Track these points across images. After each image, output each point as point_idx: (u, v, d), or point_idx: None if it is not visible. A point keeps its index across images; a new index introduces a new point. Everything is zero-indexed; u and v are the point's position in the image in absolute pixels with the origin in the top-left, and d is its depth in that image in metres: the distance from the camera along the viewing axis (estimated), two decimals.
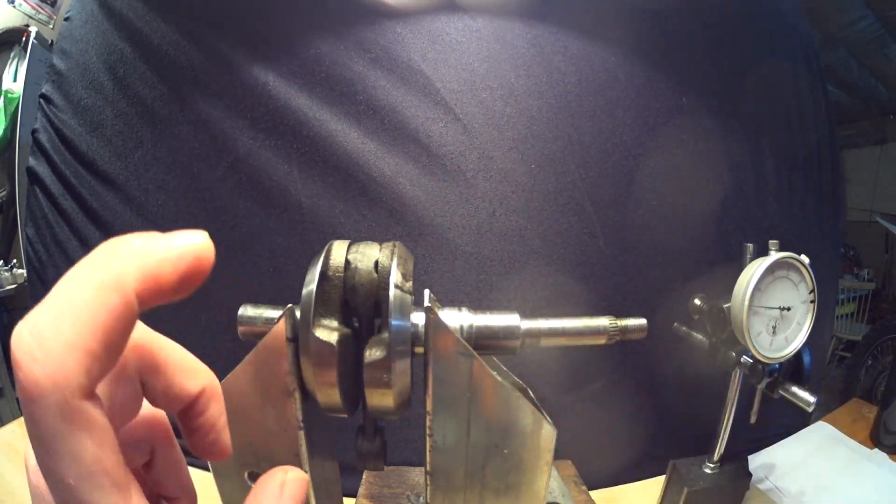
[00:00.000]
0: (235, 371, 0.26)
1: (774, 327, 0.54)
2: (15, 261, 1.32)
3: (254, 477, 0.29)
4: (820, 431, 0.87)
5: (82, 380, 0.12)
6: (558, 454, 0.44)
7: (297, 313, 0.25)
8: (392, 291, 0.25)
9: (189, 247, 0.14)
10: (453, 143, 0.75)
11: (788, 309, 0.54)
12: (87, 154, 0.81)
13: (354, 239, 0.28)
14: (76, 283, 0.13)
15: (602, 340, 0.29)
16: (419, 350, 0.26)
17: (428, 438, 0.27)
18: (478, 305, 0.28)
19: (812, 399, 0.52)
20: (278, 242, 0.76)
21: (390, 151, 0.75)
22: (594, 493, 0.69)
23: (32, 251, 0.87)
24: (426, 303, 0.27)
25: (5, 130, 1.27)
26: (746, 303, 0.52)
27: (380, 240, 0.28)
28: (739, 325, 0.53)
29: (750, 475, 0.65)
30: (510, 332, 0.27)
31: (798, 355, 0.56)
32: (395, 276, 0.25)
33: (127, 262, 0.13)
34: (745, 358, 0.57)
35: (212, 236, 0.15)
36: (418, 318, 0.26)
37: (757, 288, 0.52)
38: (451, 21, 0.76)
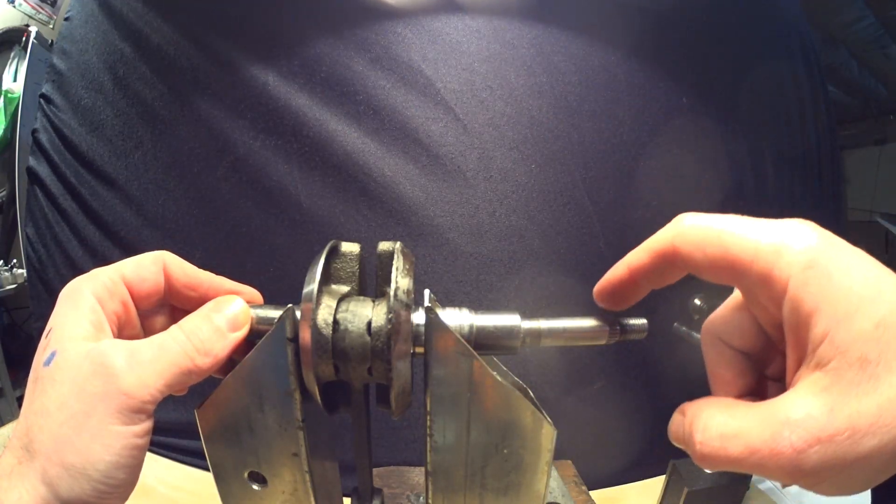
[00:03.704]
0: (235, 370, 0.26)
1: None
2: (15, 261, 1.32)
3: (254, 477, 0.29)
4: None
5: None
6: (558, 454, 0.44)
7: (297, 313, 0.25)
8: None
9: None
10: (453, 143, 0.75)
11: None
12: (87, 154, 0.81)
13: (354, 239, 0.28)
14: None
15: (602, 340, 0.28)
16: (419, 350, 0.26)
17: (428, 438, 0.27)
18: (478, 305, 0.28)
19: None
20: (278, 242, 0.76)
21: (390, 151, 0.75)
22: (594, 493, 0.69)
23: (32, 251, 0.87)
24: (426, 303, 0.27)
25: (5, 130, 1.27)
26: None
27: (380, 239, 0.28)
28: None
29: (750, 475, 0.65)
30: (510, 332, 0.27)
31: None
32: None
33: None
34: None
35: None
36: (418, 317, 0.26)
37: None
38: (451, 21, 0.76)
